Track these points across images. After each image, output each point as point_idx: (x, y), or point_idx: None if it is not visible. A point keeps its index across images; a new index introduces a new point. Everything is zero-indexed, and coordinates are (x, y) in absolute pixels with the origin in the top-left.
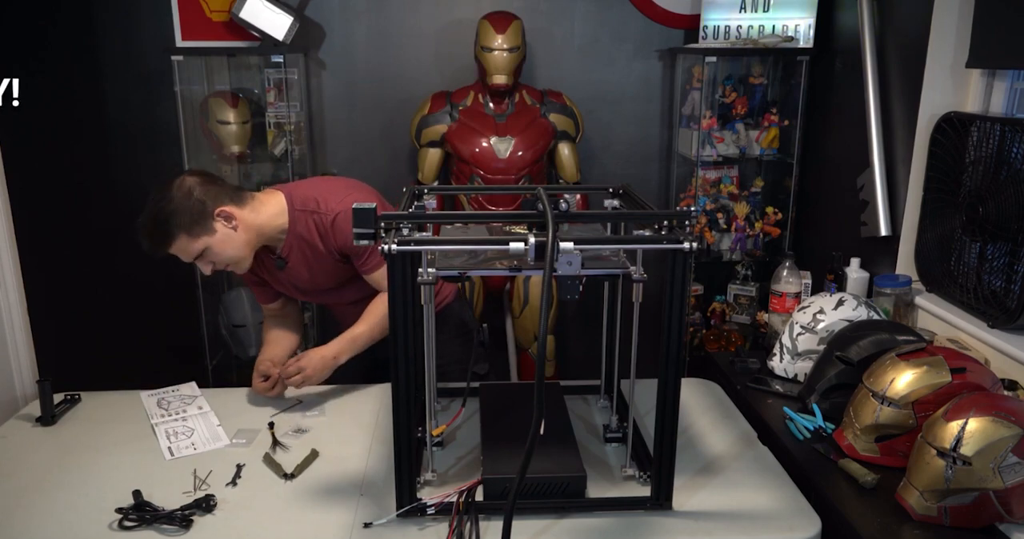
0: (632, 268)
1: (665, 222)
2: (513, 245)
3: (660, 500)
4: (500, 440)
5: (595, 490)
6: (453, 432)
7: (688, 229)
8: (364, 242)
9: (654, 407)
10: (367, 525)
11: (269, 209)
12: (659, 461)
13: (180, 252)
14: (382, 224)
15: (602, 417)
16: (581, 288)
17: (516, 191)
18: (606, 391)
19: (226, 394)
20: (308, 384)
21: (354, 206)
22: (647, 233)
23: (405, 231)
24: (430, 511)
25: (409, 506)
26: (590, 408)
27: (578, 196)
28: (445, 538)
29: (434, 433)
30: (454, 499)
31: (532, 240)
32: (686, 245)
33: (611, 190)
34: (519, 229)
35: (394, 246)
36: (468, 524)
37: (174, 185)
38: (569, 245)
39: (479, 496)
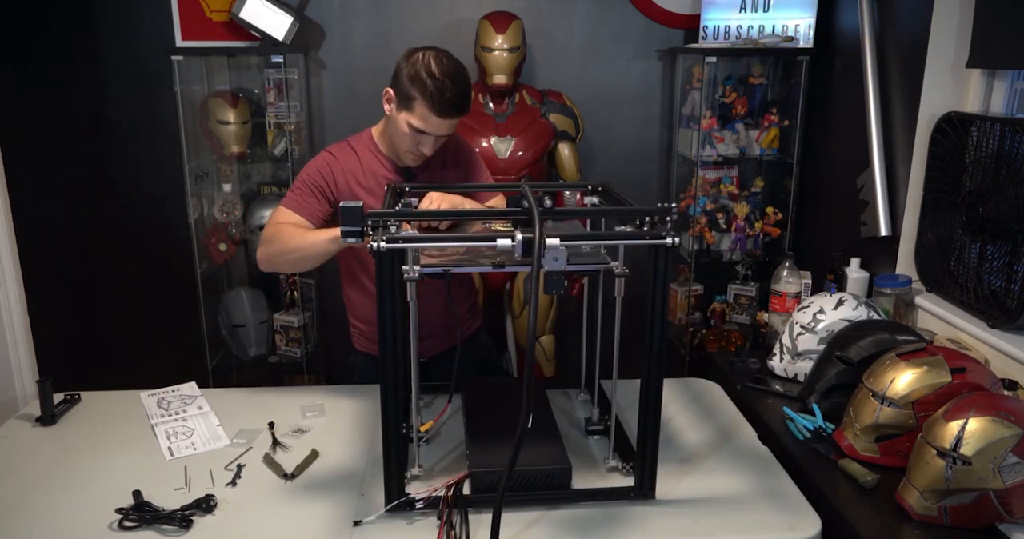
0: (614, 264)
1: (647, 218)
2: (500, 242)
3: (644, 489)
4: (484, 435)
5: (579, 482)
6: (437, 429)
7: (669, 224)
8: (351, 240)
9: (634, 401)
10: (357, 523)
11: None
12: (643, 453)
13: (455, 125)
14: (369, 221)
15: (583, 411)
16: (567, 283)
17: (501, 188)
18: (587, 385)
19: (226, 394)
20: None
21: (341, 205)
22: (629, 229)
23: (392, 228)
24: (419, 505)
25: (398, 501)
26: (571, 402)
27: (579, 195)
28: (436, 532)
29: (422, 429)
30: (442, 493)
31: (519, 236)
32: (668, 240)
33: (590, 187)
34: (500, 226)
35: (382, 243)
36: (457, 517)
37: None
38: (555, 241)
39: (466, 490)
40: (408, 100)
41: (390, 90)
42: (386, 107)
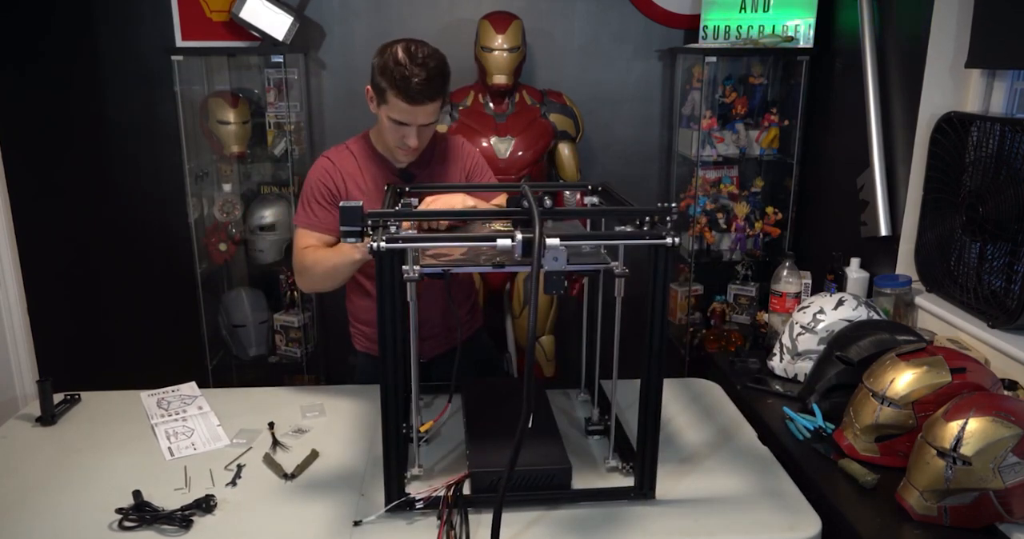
0: (614, 264)
1: (647, 218)
2: (500, 242)
3: (644, 489)
4: (484, 435)
5: (579, 482)
6: (437, 429)
7: (669, 224)
8: (352, 240)
9: (634, 401)
10: (357, 523)
11: None
12: (643, 453)
13: (432, 112)
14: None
15: (583, 411)
16: (567, 283)
17: (501, 188)
18: (587, 385)
19: (226, 394)
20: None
21: (341, 205)
22: (629, 229)
23: (392, 228)
24: (419, 505)
25: (398, 501)
26: (571, 402)
27: (579, 195)
28: (436, 532)
29: (422, 429)
30: (442, 493)
31: (520, 236)
32: (668, 240)
33: (590, 187)
34: (499, 226)
35: (382, 243)
36: (457, 517)
37: None
38: (555, 241)
39: (466, 490)
40: (382, 93)
41: (369, 88)
42: (371, 106)
